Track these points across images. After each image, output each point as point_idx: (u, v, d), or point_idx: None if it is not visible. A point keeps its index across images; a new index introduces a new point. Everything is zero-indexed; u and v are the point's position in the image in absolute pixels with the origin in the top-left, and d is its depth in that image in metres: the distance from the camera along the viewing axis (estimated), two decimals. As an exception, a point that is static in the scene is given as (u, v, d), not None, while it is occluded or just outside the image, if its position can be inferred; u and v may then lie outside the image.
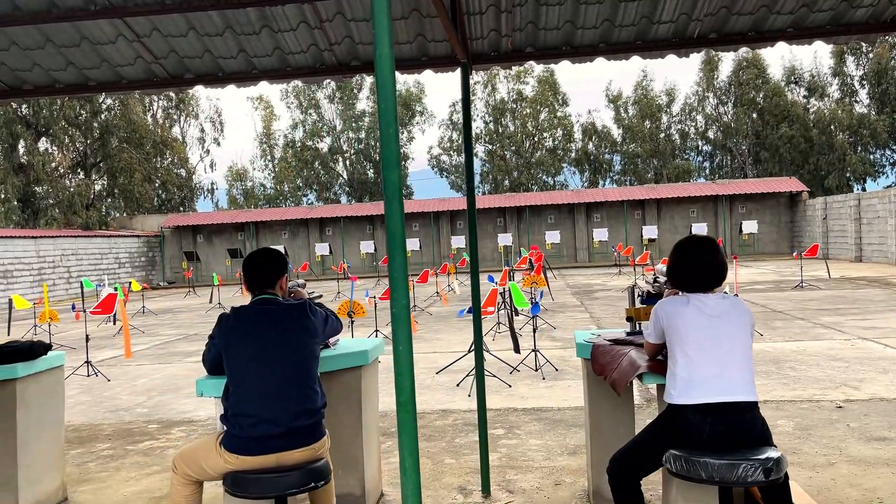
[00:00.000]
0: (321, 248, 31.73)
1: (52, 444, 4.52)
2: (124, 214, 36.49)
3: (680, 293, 3.19)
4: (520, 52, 4.53)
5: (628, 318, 3.96)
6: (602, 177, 52.80)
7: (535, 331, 7.93)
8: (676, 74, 65.80)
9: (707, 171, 51.93)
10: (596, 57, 4.55)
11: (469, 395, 6.96)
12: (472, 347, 7.67)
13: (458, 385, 7.43)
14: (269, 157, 56.29)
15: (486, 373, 7.49)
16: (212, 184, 51.67)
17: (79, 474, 5.16)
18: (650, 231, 30.15)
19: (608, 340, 3.79)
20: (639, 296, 4.02)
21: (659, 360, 3.25)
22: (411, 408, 1.99)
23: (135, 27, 4.29)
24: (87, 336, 9.07)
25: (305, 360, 3.19)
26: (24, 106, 30.76)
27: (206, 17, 4.19)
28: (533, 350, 8.05)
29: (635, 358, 3.35)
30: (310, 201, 54.73)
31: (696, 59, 55.23)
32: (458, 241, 31.46)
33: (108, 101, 34.38)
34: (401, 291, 1.99)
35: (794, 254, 15.20)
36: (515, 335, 7.87)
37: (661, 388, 3.19)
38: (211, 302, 19.08)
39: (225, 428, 3.14)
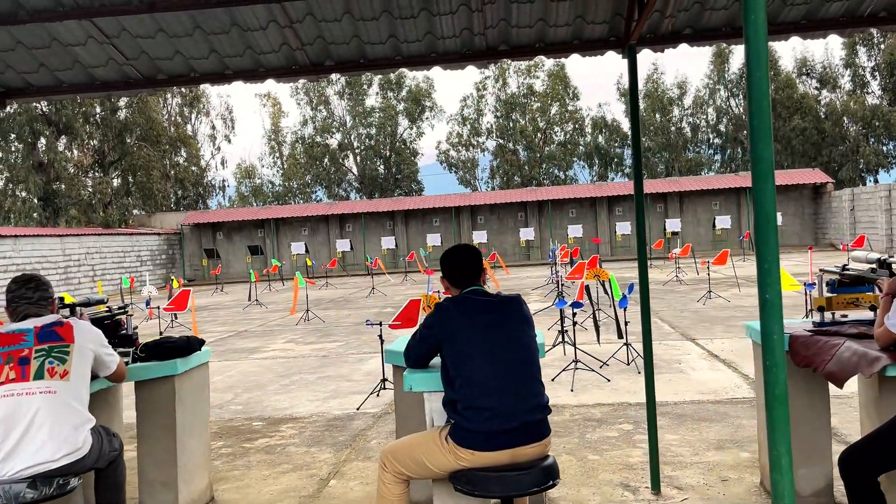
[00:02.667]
0: (342, 245, 31.52)
1: (202, 441, 4.40)
2: (143, 212, 36.34)
3: None
4: (677, 34, 4.38)
5: (819, 308, 3.83)
6: (613, 171, 52.69)
7: (626, 324, 7.80)
8: (687, 67, 65.53)
9: (718, 164, 51.81)
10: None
11: (571, 390, 6.83)
12: (559, 340, 7.58)
13: (553, 380, 7.29)
14: (277, 154, 56.15)
15: (583, 367, 7.39)
16: (223, 181, 51.53)
17: (212, 473, 5.03)
18: (673, 224, 29.97)
19: (808, 331, 3.65)
20: (827, 284, 3.87)
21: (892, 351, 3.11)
22: (785, 401, 1.87)
23: (105, 28, 4.20)
24: (160, 333, 8.94)
25: (533, 353, 3.07)
26: (44, 103, 30.57)
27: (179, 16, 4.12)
28: (625, 343, 7.92)
29: (863, 349, 3.21)
30: (318, 198, 54.59)
31: (707, 51, 55.12)
32: (480, 237, 31.29)
33: (125, 98, 34.19)
34: (773, 277, 1.86)
35: (843, 245, 15.03)
36: (620, 326, 7.74)
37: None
38: (249, 300, 18.92)
39: (450, 422, 3.01)
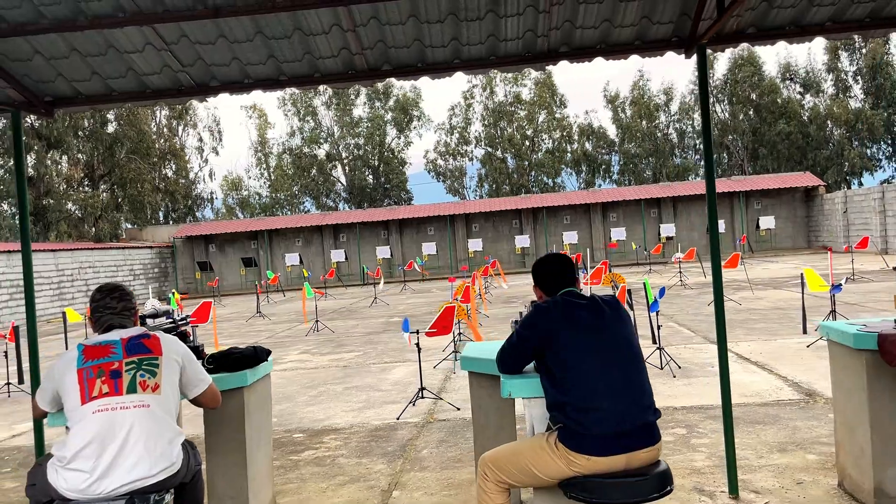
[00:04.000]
0: (337, 255, 31.40)
1: (267, 454, 4.30)
2: (135, 226, 35.98)
3: None
4: (741, 33, 4.35)
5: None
6: (601, 177, 52.89)
7: (659, 328, 7.76)
8: (673, 74, 65.96)
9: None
10: (816, 36, 4.40)
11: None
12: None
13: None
14: (264, 166, 55.91)
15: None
16: (211, 193, 51.19)
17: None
18: (668, 229, 30.13)
19: (896, 328, 3.63)
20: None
21: None
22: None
23: (165, 34, 4.13)
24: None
25: (640, 353, 3.01)
26: (31, 118, 30.21)
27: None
28: (658, 348, 7.88)
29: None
30: (306, 209, 54.38)
31: (692, 59, 55.42)
32: (475, 245, 31.27)
33: (116, 110, 33.89)
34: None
35: (846, 246, 15.12)
36: (654, 330, 7.72)
37: None
38: (259, 313, 18.74)
39: (556, 427, 2.94)
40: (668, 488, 2.81)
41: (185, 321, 4.22)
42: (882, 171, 48.88)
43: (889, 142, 48.31)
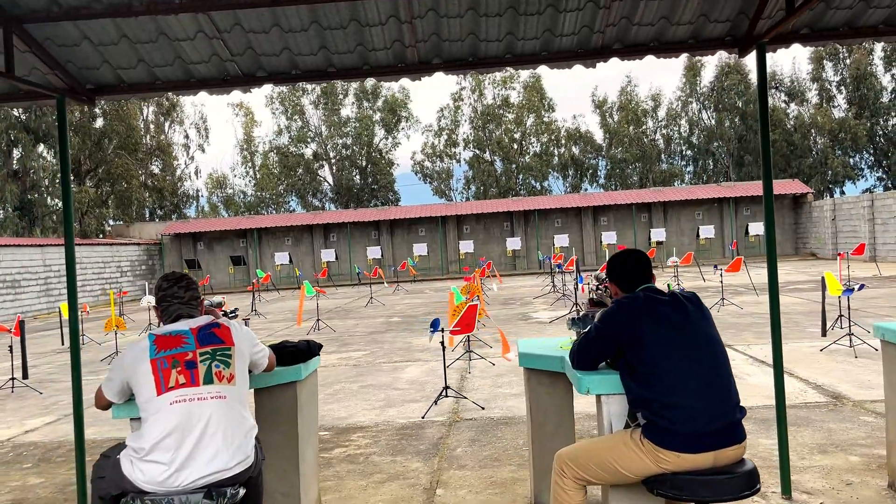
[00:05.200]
0: (327, 255, 31.26)
1: (314, 450, 4.23)
2: (121, 223, 35.59)
3: None
4: (795, 34, 4.35)
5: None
6: (589, 182, 53.09)
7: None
8: (661, 80, 66.30)
9: (691, 175, 52.54)
10: (869, 38, 4.41)
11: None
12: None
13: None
14: (249, 164, 55.57)
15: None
16: (196, 191, 50.78)
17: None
18: (658, 234, 30.27)
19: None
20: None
21: None
22: None
23: (219, 22, 4.07)
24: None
25: (724, 349, 2.99)
26: (17, 110, 29.82)
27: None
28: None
29: None
30: (292, 208, 54.14)
31: (679, 64, 55.88)
32: (466, 247, 31.25)
33: (106, 105, 33.53)
34: None
35: (841, 253, 15.27)
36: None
37: None
38: (255, 311, 18.57)
39: (639, 424, 2.91)
40: (757, 486, 2.79)
41: (234, 314, 4.14)
42: (864, 180, 49.52)
43: (871, 151, 48.88)
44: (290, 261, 30.80)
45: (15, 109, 29.13)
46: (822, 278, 8.53)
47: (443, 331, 6.84)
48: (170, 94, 4.72)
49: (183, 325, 3.07)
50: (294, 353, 3.90)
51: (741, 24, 4.26)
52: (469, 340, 9.29)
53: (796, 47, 4.42)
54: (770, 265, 4.23)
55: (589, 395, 3.11)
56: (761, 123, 4.15)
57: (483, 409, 6.67)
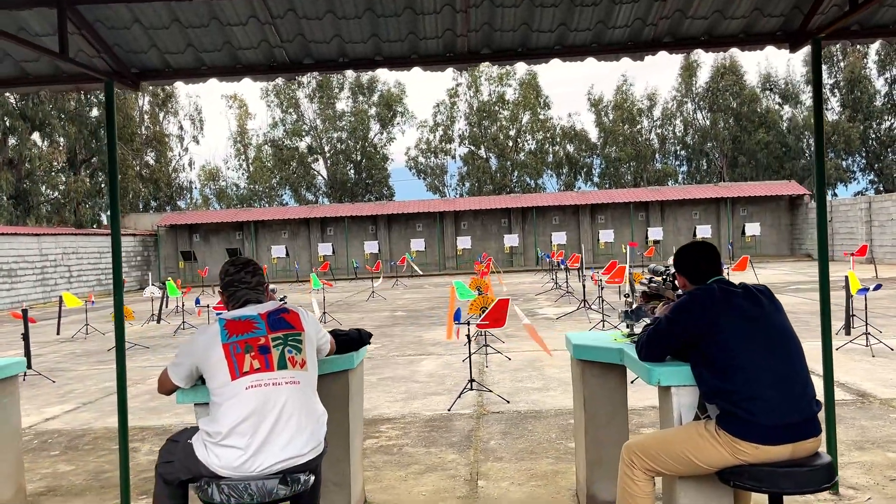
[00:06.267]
0: (324, 248, 31.19)
1: (361, 440, 4.22)
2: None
3: None
4: (845, 29, 4.35)
5: None
6: (583, 180, 53.18)
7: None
8: (657, 79, 66.53)
9: (685, 175, 52.71)
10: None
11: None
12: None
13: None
14: (243, 157, 55.33)
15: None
16: (190, 183, 50.51)
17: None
18: (655, 232, 30.38)
19: None
20: None
21: None
22: None
23: (273, 7, 4.02)
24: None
25: (799, 343, 2.99)
26: (14, 97, 29.53)
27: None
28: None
29: None
30: (285, 201, 53.94)
31: (676, 65, 56.02)
32: (464, 243, 31.24)
33: (102, 94, 33.23)
34: None
35: (845, 252, 15.34)
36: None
37: None
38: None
39: (709, 415, 2.91)
40: (836, 479, 2.79)
41: (283, 301, 4.11)
42: (857, 182, 49.81)
43: (864, 154, 49.13)
44: (287, 254, 30.72)
45: (11, 96, 28.89)
46: (846, 277, 8.57)
47: (468, 323, 6.83)
48: (214, 79, 4.67)
49: (251, 310, 3.05)
50: (347, 341, 3.87)
51: (794, 19, 4.25)
52: (485, 335, 9.27)
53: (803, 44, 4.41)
54: (821, 266, 4.23)
55: (659, 386, 3.10)
56: (815, 120, 4.14)
57: (508, 402, 6.67)
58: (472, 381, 6.93)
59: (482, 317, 6.74)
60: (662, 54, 4.54)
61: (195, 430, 3.01)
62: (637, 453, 3.03)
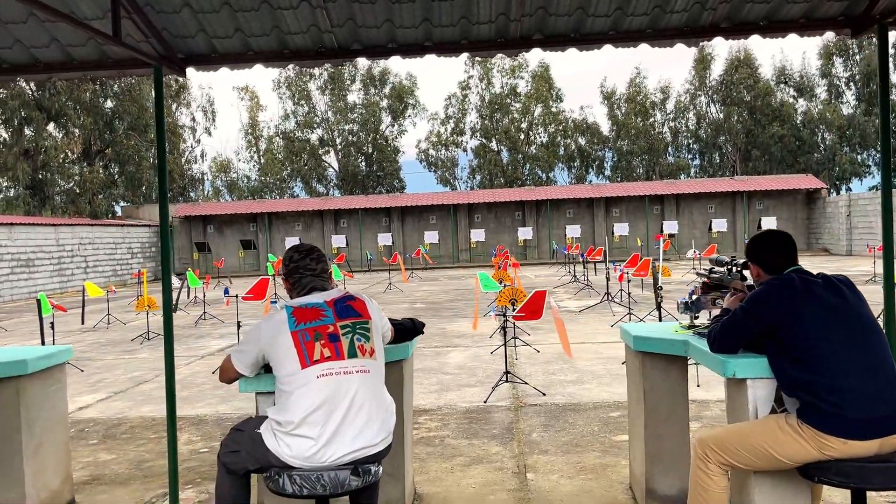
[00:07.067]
0: (338, 240, 31.16)
1: (411, 431, 4.16)
2: (129, 204, 35.42)
3: None
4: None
5: None
6: (595, 173, 52.98)
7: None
8: (670, 72, 66.16)
9: (697, 169, 52.40)
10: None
11: (698, 385, 6.69)
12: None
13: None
14: (254, 149, 55.33)
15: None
16: (202, 174, 50.60)
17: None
18: (670, 226, 30.23)
19: None
20: None
21: None
22: None
23: None
24: (238, 323, 8.60)
25: (882, 334, 2.90)
26: (30, 87, 29.57)
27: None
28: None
29: None
30: (295, 193, 53.98)
31: (690, 58, 55.66)
32: (478, 235, 31.16)
33: (116, 86, 33.29)
34: None
35: (869, 247, 15.23)
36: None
37: None
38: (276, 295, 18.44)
39: (785, 409, 2.84)
40: (926, 473, 2.70)
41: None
42: (871, 177, 49.41)
43: (879, 148, 48.56)
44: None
45: (29, 86, 28.93)
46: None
47: (504, 315, 6.76)
48: (259, 65, 4.59)
49: (317, 297, 2.99)
50: (402, 330, 3.80)
51: (858, 3, 4.15)
52: (514, 327, 9.20)
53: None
54: (886, 262, 4.14)
55: (733, 378, 3.02)
56: (881, 107, 4.05)
57: (544, 395, 6.60)
58: (507, 373, 6.86)
59: (518, 309, 6.66)
60: (718, 40, 4.44)
61: (260, 419, 2.96)
62: (712, 447, 2.96)
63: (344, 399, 2.75)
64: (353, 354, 2.83)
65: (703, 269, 3.97)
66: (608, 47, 4.50)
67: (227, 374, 3.08)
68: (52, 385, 4.07)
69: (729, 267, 3.63)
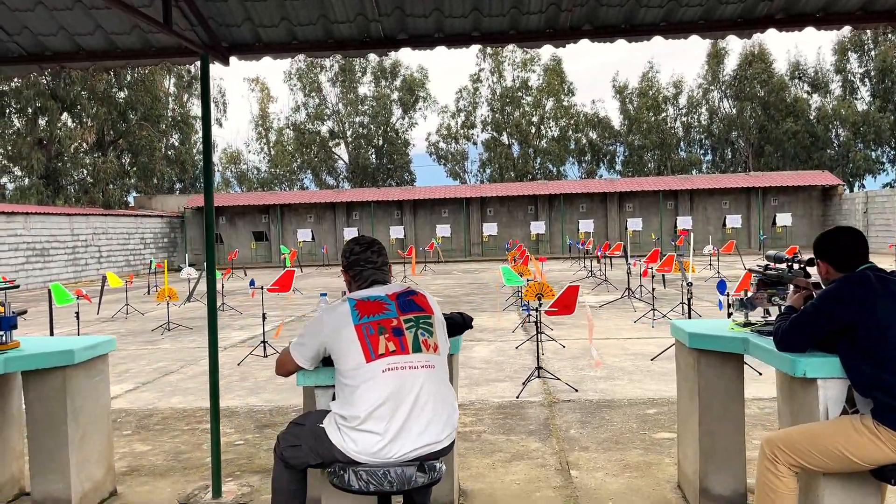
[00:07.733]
0: (349, 233, 31.11)
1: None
2: (142, 194, 35.49)
3: None
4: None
5: None
6: (606, 168, 52.76)
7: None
8: (683, 67, 65.71)
9: (709, 165, 52.12)
10: None
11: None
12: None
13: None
14: (264, 140, 55.30)
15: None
16: (213, 165, 50.54)
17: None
18: (684, 222, 30.06)
19: None
20: None
21: None
22: None
23: None
24: (264, 315, 8.57)
25: (961, 334, 2.83)
26: (45, 77, 29.57)
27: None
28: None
29: None
30: (305, 185, 53.92)
31: (703, 52, 55.30)
32: (490, 229, 31.09)
33: (129, 77, 33.29)
34: None
35: (890, 245, 15.11)
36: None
37: None
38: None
39: (863, 408, 2.77)
40: None
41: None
42: (886, 174, 49.08)
43: (894, 145, 48.34)
44: (313, 238, 30.69)
45: (43, 77, 28.94)
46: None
47: (537, 310, 6.70)
48: (302, 54, 4.54)
49: (379, 290, 2.93)
50: (452, 325, 3.74)
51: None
52: (538, 322, 9.14)
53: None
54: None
55: (803, 377, 2.95)
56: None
57: (576, 391, 6.54)
58: (539, 367, 6.81)
59: (551, 303, 6.60)
60: (772, 32, 4.36)
61: (321, 413, 2.91)
62: (781, 448, 2.89)
63: (409, 394, 2.70)
64: (417, 349, 2.78)
65: (758, 266, 3.90)
66: (656, 38, 4.42)
67: (286, 368, 3.03)
68: (96, 375, 4.04)
69: (790, 264, 3.56)
